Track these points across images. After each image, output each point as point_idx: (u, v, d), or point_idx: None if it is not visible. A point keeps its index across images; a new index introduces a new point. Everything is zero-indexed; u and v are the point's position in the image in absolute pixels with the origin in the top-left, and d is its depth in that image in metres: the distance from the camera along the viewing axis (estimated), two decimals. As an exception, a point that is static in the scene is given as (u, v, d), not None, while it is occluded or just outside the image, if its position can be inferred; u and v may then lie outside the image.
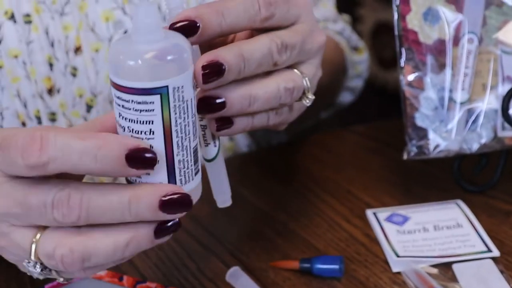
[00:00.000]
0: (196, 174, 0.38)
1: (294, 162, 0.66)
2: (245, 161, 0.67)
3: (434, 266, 0.48)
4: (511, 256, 0.49)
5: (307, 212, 0.57)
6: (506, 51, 0.53)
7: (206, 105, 0.39)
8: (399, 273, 0.48)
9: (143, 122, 0.36)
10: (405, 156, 0.53)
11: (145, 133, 0.36)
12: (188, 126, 0.37)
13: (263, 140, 0.75)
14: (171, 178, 0.37)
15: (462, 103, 0.53)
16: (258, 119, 0.42)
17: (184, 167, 0.37)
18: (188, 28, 0.38)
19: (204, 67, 0.38)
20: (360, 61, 0.77)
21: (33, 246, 0.36)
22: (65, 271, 0.37)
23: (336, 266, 0.48)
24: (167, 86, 0.35)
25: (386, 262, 0.50)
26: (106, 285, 0.49)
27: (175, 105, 0.36)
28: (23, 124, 0.57)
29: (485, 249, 0.50)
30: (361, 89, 0.80)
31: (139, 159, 0.35)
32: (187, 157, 0.37)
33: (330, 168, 0.64)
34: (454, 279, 0.47)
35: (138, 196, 0.35)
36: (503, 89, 0.52)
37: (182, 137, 0.37)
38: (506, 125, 0.52)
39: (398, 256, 0.49)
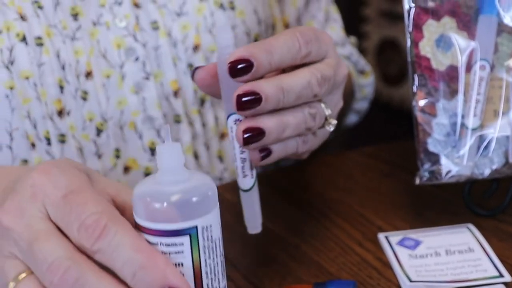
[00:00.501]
0: None
1: (304, 183, 0.67)
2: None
3: (447, 291, 0.49)
4: (523, 282, 0.50)
5: (320, 235, 0.57)
6: (517, 78, 0.54)
7: (250, 137, 0.42)
8: (411, 298, 0.49)
9: (174, 265, 0.36)
10: (417, 181, 0.54)
11: None
12: (217, 266, 0.37)
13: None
14: None
15: (474, 129, 0.53)
16: (289, 146, 0.45)
17: None
18: (244, 68, 0.41)
19: (240, 95, 0.41)
20: (366, 84, 0.79)
21: (12, 284, 0.37)
22: None
23: (349, 291, 0.49)
24: (196, 226, 0.36)
25: (399, 287, 0.50)
26: None
27: (204, 245, 0.36)
28: (33, 145, 0.58)
29: (497, 274, 0.50)
30: (367, 111, 0.81)
31: None
32: None
33: (341, 190, 0.64)
34: (467, 304, 0.48)
35: None
36: (514, 116, 0.53)
37: (212, 278, 0.37)
38: (518, 151, 0.53)
39: (411, 281, 0.50)
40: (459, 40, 0.54)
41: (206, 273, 0.36)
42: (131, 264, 0.34)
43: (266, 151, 0.44)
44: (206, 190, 0.37)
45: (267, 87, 0.41)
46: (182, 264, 0.36)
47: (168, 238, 0.35)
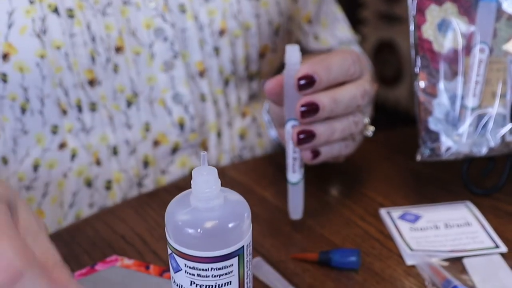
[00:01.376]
0: None
1: (306, 166, 0.69)
2: (262, 163, 0.70)
3: (446, 260, 0.51)
4: (518, 253, 0.52)
5: (324, 211, 0.60)
6: (514, 62, 0.56)
7: (303, 138, 0.51)
8: (413, 266, 0.51)
9: (221, 285, 0.37)
10: (418, 158, 0.57)
11: None
12: (250, 272, 0.39)
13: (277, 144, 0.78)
14: None
15: (473, 109, 0.56)
16: (335, 149, 0.54)
17: None
18: (309, 83, 0.50)
19: (303, 105, 0.50)
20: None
21: None
22: None
23: (353, 258, 0.51)
24: (243, 246, 0.38)
25: (400, 256, 0.53)
26: (134, 273, 0.51)
27: (247, 260, 0.38)
28: (64, 111, 0.60)
29: (493, 245, 0.53)
30: (372, 115, 0.81)
31: None
32: None
33: (342, 172, 0.67)
34: (465, 272, 0.50)
35: None
36: (511, 97, 0.56)
37: (250, 286, 0.39)
38: (514, 130, 0.56)
39: (411, 250, 0.52)
40: (460, 25, 0.56)
41: (247, 283, 0.39)
42: None
43: (316, 152, 0.53)
44: (246, 212, 0.38)
45: (324, 99, 0.50)
46: (230, 283, 0.38)
47: (219, 263, 0.37)
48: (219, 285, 0.37)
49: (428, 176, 0.64)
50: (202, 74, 0.65)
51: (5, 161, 0.61)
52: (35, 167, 0.61)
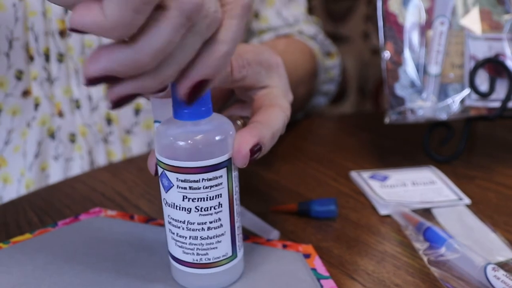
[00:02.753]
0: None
1: (281, 138, 0.72)
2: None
3: (416, 210, 0.55)
4: (481, 205, 0.56)
5: (297, 173, 0.62)
6: (470, 35, 0.62)
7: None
8: (386, 216, 0.54)
9: (212, 197, 0.38)
10: (387, 121, 0.60)
11: (214, 208, 0.39)
12: (238, 190, 0.40)
13: None
14: (233, 246, 0.40)
15: (435, 76, 0.60)
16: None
17: (240, 233, 0.41)
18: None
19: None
20: (332, 66, 0.82)
21: None
22: None
23: (332, 207, 0.53)
24: (230, 158, 0.38)
25: (374, 208, 0.55)
26: (119, 221, 0.51)
27: (234, 175, 0.39)
28: (31, 58, 0.60)
29: (457, 198, 0.57)
30: (334, 92, 0.84)
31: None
32: (240, 223, 0.41)
33: (312, 144, 0.70)
34: (434, 219, 0.54)
35: None
36: (469, 66, 0.61)
37: (238, 204, 0.40)
38: (472, 97, 0.60)
39: (384, 201, 0.55)
40: (422, 1, 0.61)
41: (235, 199, 0.40)
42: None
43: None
44: (231, 130, 0.39)
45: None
46: (221, 195, 0.38)
47: (210, 173, 0.37)
48: (210, 197, 0.38)
49: (391, 148, 0.68)
50: None
51: None
52: None
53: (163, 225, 0.50)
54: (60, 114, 0.63)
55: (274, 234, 0.50)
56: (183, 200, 0.38)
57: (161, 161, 0.38)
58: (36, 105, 0.62)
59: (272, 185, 0.60)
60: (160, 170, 0.39)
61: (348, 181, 0.61)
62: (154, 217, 0.53)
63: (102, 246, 0.47)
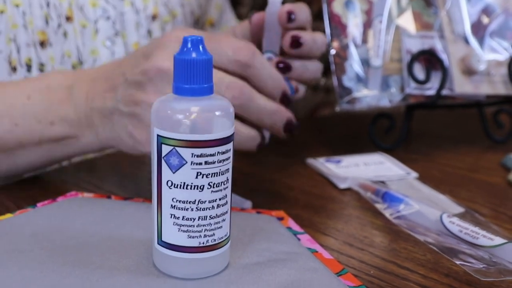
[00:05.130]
0: None
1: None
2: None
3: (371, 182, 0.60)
4: (427, 179, 0.62)
5: (258, 162, 0.66)
6: (405, 33, 0.69)
7: (280, 68, 0.55)
8: (345, 189, 0.59)
9: (223, 172, 0.39)
10: (337, 109, 0.66)
11: (223, 183, 0.39)
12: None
13: None
14: (230, 225, 0.41)
15: (377, 68, 0.67)
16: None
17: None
18: (290, 18, 0.55)
19: (292, 36, 0.54)
20: None
21: None
22: None
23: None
24: (234, 132, 0.40)
25: (333, 185, 0.60)
26: (97, 200, 0.52)
27: (233, 151, 0.40)
28: (14, 69, 0.62)
29: (405, 172, 0.62)
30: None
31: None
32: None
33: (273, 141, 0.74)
34: (390, 189, 0.59)
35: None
36: (406, 59, 0.68)
37: (232, 179, 0.41)
38: (411, 85, 0.67)
39: (342, 177, 0.60)
40: (361, 4, 0.68)
41: (233, 176, 0.41)
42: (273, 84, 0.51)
43: (298, 90, 0.56)
44: (230, 104, 0.41)
45: (306, 37, 0.55)
46: (228, 170, 0.39)
47: (223, 146, 0.38)
48: (222, 172, 0.39)
49: (341, 140, 0.74)
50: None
51: None
52: None
53: (141, 201, 0.53)
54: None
55: (247, 204, 0.54)
56: (196, 178, 0.38)
57: (171, 138, 0.38)
58: None
59: (236, 171, 0.63)
60: (167, 149, 0.38)
61: (306, 166, 0.65)
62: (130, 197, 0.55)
63: (86, 219, 0.49)
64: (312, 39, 0.55)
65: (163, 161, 0.39)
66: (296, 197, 0.57)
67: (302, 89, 0.58)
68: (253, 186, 0.60)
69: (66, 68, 0.66)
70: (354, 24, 0.68)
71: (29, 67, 0.63)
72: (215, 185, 0.39)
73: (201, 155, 0.38)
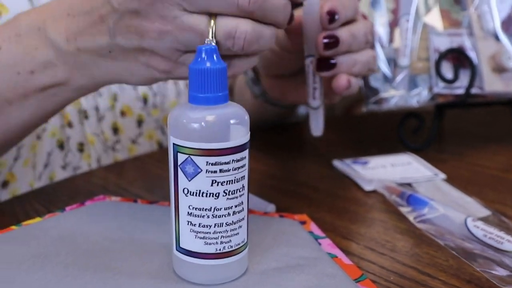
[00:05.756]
0: None
1: (270, 138, 0.77)
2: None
3: (397, 185, 0.59)
4: (455, 179, 0.61)
5: (284, 165, 0.66)
6: (433, 32, 0.68)
7: (325, 65, 0.53)
8: (371, 192, 0.59)
9: (238, 180, 0.39)
10: (364, 109, 0.66)
11: (239, 190, 0.39)
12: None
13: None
14: (247, 231, 0.41)
15: (404, 68, 0.66)
16: (358, 81, 0.56)
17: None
18: (332, 18, 0.52)
19: (325, 37, 0.52)
20: None
21: (211, 29, 0.42)
22: (238, 50, 0.43)
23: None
24: (249, 140, 0.40)
25: (359, 187, 0.60)
26: (124, 204, 0.54)
27: (249, 157, 0.40)
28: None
29: (433, 174, 0.62)
30: None
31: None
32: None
33: (301, 141, 0.74)
34: (415, 191, 0.58)
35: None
36: (434, 58, 0.67)
37: (249, 186, 0.41)
38: (439, 85, 0.66)
39: (368, 180, 0.60)
40: (387, 3, 0.68)
41: (249, 183, 0.41)
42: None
43: (349, 83, 0.54)
44: (246, 115, 0.41)
45: (343, 33, 0.53)
46: (244, 177, 0.40)
47: (238, 154, 0.39)
48: (237, 179, 0.39)
49: (370, 140, 0.74)
50: None
51: None
52: None
53: (167, 205, 0.54)
54: (69, 125, 0.66)
55: (271, 207, 0.54)
56: (211, 185, 0.39)
57: (186, 147, 0.38)
58: None
59: (263, 174, 0.64)
60: (182, 157, 0.39)
61: (332, 168, 0.65)
62: (156, 201, 0.56)
63: (112, 223, 0.50)
64: (351, 35, 0.53)
65: (179, 169, 0.39)
66: (321, 199, 0.57)
67: (355, 82, 0.55)
68: (279, 189, 0.60)
69: None
70: (380, 23, 0.67)
71: None
72: (230, 193, 0.39)
73: (215, 163, 0.38)
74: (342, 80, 0.54)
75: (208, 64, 0.39)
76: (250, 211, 0.52)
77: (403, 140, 0.69)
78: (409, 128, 0.70)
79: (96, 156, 0.67)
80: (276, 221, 0.51)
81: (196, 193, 0.39)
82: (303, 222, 0.51)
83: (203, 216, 0.40)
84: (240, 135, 0.39)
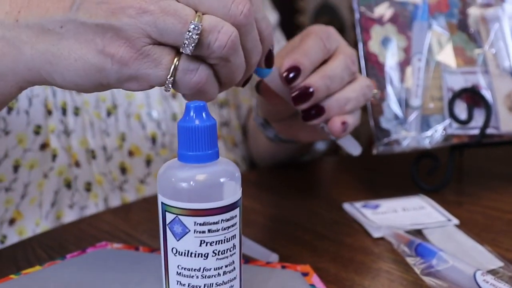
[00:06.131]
0: None
1: (283, 176, 0.75)
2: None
3: (407, 232, 0.57)
4: (469, 225, 0.59)
5: (295, 208, 0.65)
6: (446, 70, 0.66)
7: (308, 116, 0.52)
8: (379, 238, 0.57)
9: (228, 239, 0.38)
10: (374, 152, 0.64)
11: (229, 250, 0.39)
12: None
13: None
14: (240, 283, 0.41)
15: (416, 108, 0.64)
16: (357, 116, 0.54)
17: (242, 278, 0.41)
18: (295, 75, 0.51)
19: (296, 94, 0.50)
20: None
21: (197, 18, 0.40)
22: (218, 49, 0.40)
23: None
24: (241, 197, 0.39)
25: (367, 233, 0.58)
26: (125, 252, 0.53)
27: (241, 215, 0.40)
28: (49, 112, 0.64)
29: (446, 219, 0.59)
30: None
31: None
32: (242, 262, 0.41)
33: (311, 181, 0.73)
34: (425, 239, 0.56)
35: None
36: (447, 97, 0.65)
37: (241, 244, 0.40)
38: (452, 125, 0.64)
39: (377, 225, 0.58)
40: (399, 41, 0.66)
41: (240, 239, 0.40)
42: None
43: (345, 124, 0.52)
44: (237, 172, 0.40)
45: (313, 79, 0.51)
46: (235, 236, 0.39)
47: (228, 213, 0.38)
48: (227, 239, 0.38)
49: (383, 181, 0.72)
50: (174, 95, 0.71)
51: None
52: (15, 168, 0.63)
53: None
54: (77, 164, 0.66)
55: (273, 257, 0.53)
56: (200, 246, 0.38)
57: (174, 207, 0.38)
58: (54, 156, 0.65)
59: (270, 217, 0.62)
60: (170, 217, 0.38)
61: (342, 212, 0.63)
62: (158, 248, 0.55)
63: (109, 274, 0.49)
64: (326, 77, 0.51)
65: (167, 228, 0.39)
66: (326, 247, 0.55)
67: (352, 120, 0.53)
68: (285, 234, 0.58)
69: (100, 112, 0.67)
70: (391, 63, 0.65)
71: (64, 110, 0.65)
72: (220, 253, 0.38)
73: (204, 224, 0.38)
74: (335, 125, 0.52)
75: (197, 122, 0.38)
76: (251, 261, 0.51)
77: (417, 181, 0.67)
78: (425, 168, 0.68)
79: (103, 195, 0.67)
80: (278, 272, 0.49)
81: (185, 253, 0.38)
82: (305, 274, 0.49)
83: (192, 277, 0.39)
84: (231, 193, 0.39)
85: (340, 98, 0.52)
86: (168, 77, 0.40)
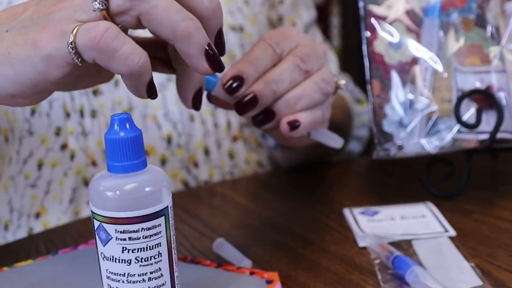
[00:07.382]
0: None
1: (284, 178, 0.75)
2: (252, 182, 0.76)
3: (395, 242, 0.55)
4: (468, 237, 0.55)
5: (293, 211, 0.64)
6: (458, 70, 0.62)
7: (258, 121, 0.52)
8: (364, 248, 0.55)
9: (152, 247, 0.39)
10: (374, 156, 0.61)
11: (154, 257, 0.40)
12: (175, 238, 0.41)
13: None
14: None
15: (422, 111, 0.61)
16: (315, 114, 0.53)
17: (179, 282, 0.42)
18: (239, 84, 0.50)
19: (238, 102, 0.50)
20: (363, 112, 0.85)
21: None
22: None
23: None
24: (167, 206, 0.40)
25: (355, 241, 0.56)
26: None
27: (171, 223, 0.40)
28: (68, 115, 0.68)
29: (442, 230, 0.56)
30: (368, 138, 0.85)
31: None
32: (178, 272, 0.42)
33: (318, 184, 0.72)
34: (411, 250, 0.53)
35: None
36: (456, 98, 0.61)
37: (176, 253, 0.41)
38: (462, 129, 0.60)
39: (363, 232, 0.56)
40: (408, 40, 0.63)
41: (173, 248, 0.42)
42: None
43: (292, 123, 0.51)
44: (165, 181, 0.41)
45: (257, 87, 0.50)
46: (160, 244, 0.40)
47: (148, 222, 0.39)
48: (150, 247, 0.39)
49: (395, 186, 0.69)
50: None
51: (10, 161, 0.68)
52: (39, 166, 0.68)
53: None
54: (94, 164, 0.70)
55: (246, 262, 0.52)
56: (122, 252, 0.39)
57: (98, 214, 0.39)
58: (72, 157, 0.69)
59: (266, 221, 0.62)
60: (96, 223, 0.40)
61: (340, 218, 0.62)
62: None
63: (96, 270, 0.51)
64: (271, 82, 0.50)
65: (95, 234, 0.41)
66: (307, 255, 0.54)
67: (306, 117, 0.51)
68: (272, 240, 0.58)
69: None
70: (397, 63, 0.62)
71: (81, 113, 0.68)
72: (143, 260, 0.40)
73: (124, 232, 0.39)
74: (282, 125, 0.51)
75: (121, 134, 0.39)
76: (224, 265, 0.51)
77: (428, 188, 0.64)
78: (440, 172, 0.64)
79: None
80: (242, 279, 0.49)
81: (110, 258, 0.40)
82: (269, 282, 0.49)
83: (118, 281, 0.40)
84: (153, 203, 0.39)
85: (289, 98, 0.51)
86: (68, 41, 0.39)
